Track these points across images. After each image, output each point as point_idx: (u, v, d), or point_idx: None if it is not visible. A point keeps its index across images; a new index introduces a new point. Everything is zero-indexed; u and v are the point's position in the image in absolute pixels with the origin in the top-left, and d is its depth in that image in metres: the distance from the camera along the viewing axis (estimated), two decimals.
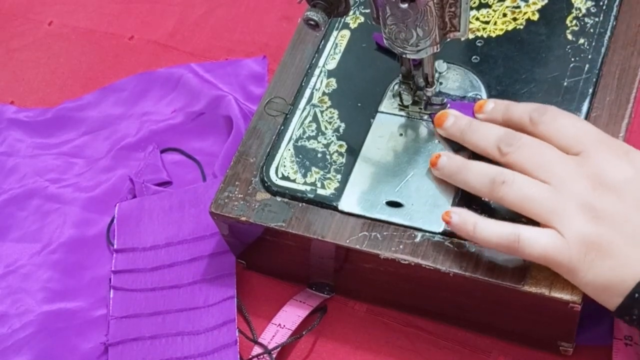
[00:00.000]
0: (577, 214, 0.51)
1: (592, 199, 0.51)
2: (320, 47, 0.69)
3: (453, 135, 0.60)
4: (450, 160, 0.58)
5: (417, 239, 0.58)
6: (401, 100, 0.63)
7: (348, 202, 0.60)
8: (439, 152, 0.59)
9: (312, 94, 0.67)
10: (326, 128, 0.65)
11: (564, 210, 0.51)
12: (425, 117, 0.63)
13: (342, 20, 0.70)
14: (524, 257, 0.53)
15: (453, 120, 0.60)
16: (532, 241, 0.52)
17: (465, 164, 0.57)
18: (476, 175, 0.56)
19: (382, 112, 0.64)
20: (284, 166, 0.63)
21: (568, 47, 0.63)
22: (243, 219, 0.62)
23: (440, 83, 0.64)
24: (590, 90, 0.60)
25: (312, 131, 0.65)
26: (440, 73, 0.62)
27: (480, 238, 0.54)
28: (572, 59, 0.62)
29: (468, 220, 0.55)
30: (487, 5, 0.67)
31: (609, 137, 0.54)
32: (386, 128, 0.63)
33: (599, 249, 0.50)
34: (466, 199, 0.58)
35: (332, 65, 0.68)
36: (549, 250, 0.51)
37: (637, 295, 0.49)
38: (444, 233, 0.57)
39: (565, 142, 0.54)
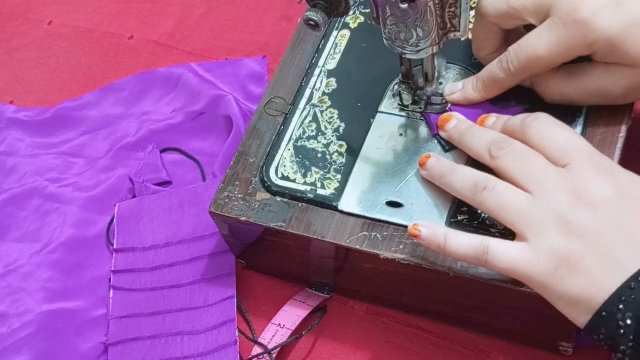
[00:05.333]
0: (551, 227, 0.51)
1: (568, 213, 0.51)
2: (320, 47, 0.69)
3: (452, 138, 0.60)
4: (438, 162, 0.58)
5: None
6: (401, 100, 0.63)
7: (348, 202, 0.60)
8: (429, 153, 0.59)
9: (312, 94, 0.67)
10: (326, 128, 0.65)
11: (538, 221, 0.51)
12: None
13: (342, 20, 0.70)
14: (492, 269, 0.53)
15: (455, 123, 0.60)
16: (500, 254, 0.52)
17: (452, 167, 0.57)
18: (461, 179, 0.56)
19: (382, 112, 0.64)
20: (284, 166, 0.63)
21: None
22: (243, 219, 0.62)
23: (441, 83, 0.64)
24: None
25: (312, 131, 0.65)
26: (440, 73, 0.62)
27: (450, 250, 0.54)
28: None
29: (438, 233, 0.54)
30: None
31: (598, 154, 0.53)
32: (386, 128, 0.63)
33: (569, 264, 0.50)
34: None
35: (332, 65, 0.68)
36: (517, 264, 0.51)
37: (604, 313, 0.49)
38: None
39: (553, 152, 0.53)
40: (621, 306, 0.48)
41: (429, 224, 0.55)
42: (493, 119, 0.59)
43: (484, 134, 0.57)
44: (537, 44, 0.56)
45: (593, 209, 0.50)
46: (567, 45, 0.55)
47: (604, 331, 0.49)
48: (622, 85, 0.57)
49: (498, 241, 0.52)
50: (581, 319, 0.50)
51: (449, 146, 0.61)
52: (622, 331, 0.48)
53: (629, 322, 0.47)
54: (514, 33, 0.59)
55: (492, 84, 0.60)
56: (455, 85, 0.62)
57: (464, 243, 0.53)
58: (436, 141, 0.61)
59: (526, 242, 0.52)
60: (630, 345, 0.48)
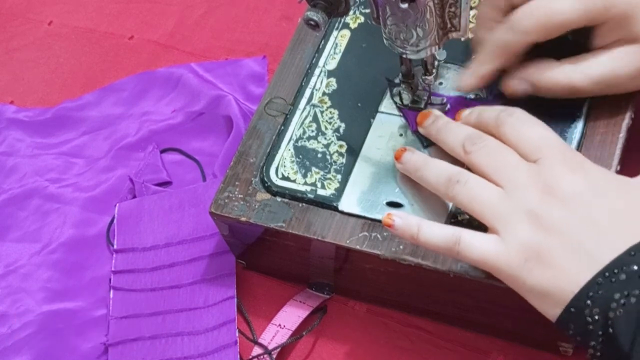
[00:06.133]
0: (521, 221, 0.51)
1: (538, 207, 0.51)
2: (320, 47, 0.69)
3: (430, 134, 0.60)
4: (413, 156, 0.59)
5: None
6: (401, 99, 0.63)
7: (348, 203, 0.60)
8: (404, 147, 0.60)
9: (312, 94, 0.67)
10: (326, 128, 0.65)
11: (509, 215, 0.52)
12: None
13: (342, 20, 0.70)
14: (464, 260, 0.53)
15: (432, 120, 0.60)
16: (472, 245, 0.52)
17: (427, 161, 0.58)
18: (435, 173, 0.56)
19: (382, 112, 0.64)
20: (284, 166, 0.63)
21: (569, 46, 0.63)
22: (243, 219, 0.62)
23: (440, 83, 0.64)
24: None
25: (312, 131, 0.65)
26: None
27: (423, 240, 0.54)
28: None
29: (411, 223, 0.55)
30: None
31: (568, 148, 0.54)
32: (386, 128, 0.63)
33: (538, 257, 0.50)
34: None
35: (332, 65, 0.68)
36: (487, 256, 0.52)
37: (572, 309, 0.48)
38: None
39: (525, 148, 0.53)
40: (588, 302, 0.48)
41: (403, 214, 0.56)
42: (468, 110, 0.59)
43: (459, 130, 0.58)
44: (555, 1, 0.56)
45: (563, 203, 0.50)
46: (586, 2, 0.55)
47: (573, 327, 0.49)
48: (629, 67, 0.56)
49: (470, 233, 0.53)
50: (551, 312, 0.50)
51: (427, 142, 0.61)
52: (591, 327, 0.48)
53: (596, 317, 0.47)
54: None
55: (500, 51, 0.58)
56: (463, 74, 0.61)
57: (436, 234, 0.54)
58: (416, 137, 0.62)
59: (497, 235, 0.52)
60: (600, 341, 0.48)
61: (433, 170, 0.57)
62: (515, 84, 0.60)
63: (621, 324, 0.46)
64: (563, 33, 0.57)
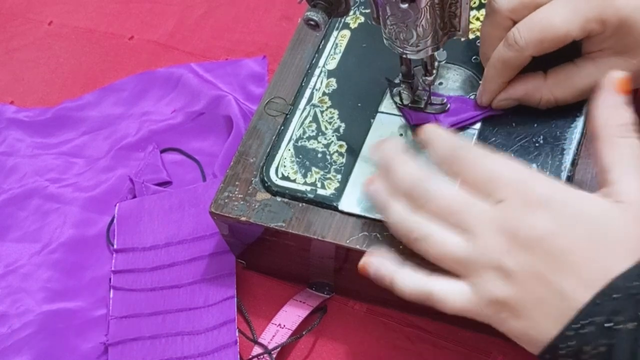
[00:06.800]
0: (488, 272, 0.50)
1: (504, 257, 0.49)
2: (321, 47, 0.69)
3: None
4: (376, 193, 0.56)
5: None
6: (401, 99, 0.63)
7: (348, 202, 0.60)
8: (372, 176, 0.57)
9: (312, 94, 0.67)
10: (326, 128, 0.65)
11: (476, 267, 0.50)
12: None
13: (342, 20, 0.70)
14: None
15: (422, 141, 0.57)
16: (444, 300, 0.51)
17: (386, 205, 0.55)
18: (393, 221, 0.54)
19: (382, 112, 0.64)
20: (284, 166, 0.63)
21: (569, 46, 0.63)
22: (243, 219, 0.62)
23: (440, 83, 0.64)
24: None
25: (312, 131, 0.65)
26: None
27: (397, 292, 0.53)
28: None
29: (384, 275, 0.54)
30: None
31: (529, 182, 0.51)
32: (386, 128, 0.63)
33: (508, 309, 0.49)
34: None
35: (332, 65, 0.68)
36: (461, 309, 0.51)
37: (547, 356, 0.48)
38: None
39: (483, 191, 0.51)
40: (562, 352, 0.48)
41: (378, 262, 0.54)
42: (427, 131, 0.56)
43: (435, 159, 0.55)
44: (551, 14, 0.55)
45: (527, 249, 0.49)
46: (584, 15, 0.54)
47: None
48: None
49: (441, 285, 0.51)
50: (532, 351, 0.50)
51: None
52: None
53: None
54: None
55: (502, 67, 0.58)
56: (479, 91, 0.61)
57: (409, 288, 0.53)
58: None
59: (469, 285, 0.51)
60: None
61: (391, 218, 0.54)
62: (503, 104, 0.60)
63: None
64: (561, 46, 0.57)
